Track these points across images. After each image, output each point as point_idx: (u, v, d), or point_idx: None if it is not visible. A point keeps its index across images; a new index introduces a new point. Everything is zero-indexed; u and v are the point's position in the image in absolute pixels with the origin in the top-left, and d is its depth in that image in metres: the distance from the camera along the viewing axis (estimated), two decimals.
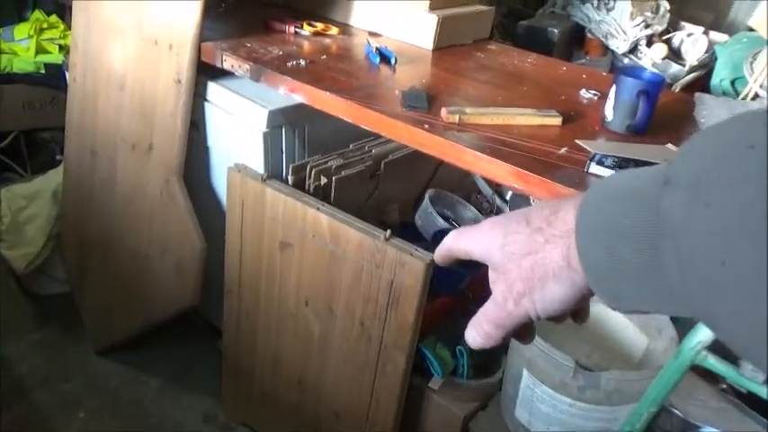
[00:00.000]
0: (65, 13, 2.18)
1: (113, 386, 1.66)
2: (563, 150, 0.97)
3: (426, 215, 1.38)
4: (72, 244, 1.73)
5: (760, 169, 0.25)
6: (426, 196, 1.41)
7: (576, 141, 0.98)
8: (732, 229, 0.26)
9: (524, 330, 0.43)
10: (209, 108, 1.36)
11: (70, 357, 1.73)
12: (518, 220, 0.41)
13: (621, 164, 0.90)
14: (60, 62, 2.14)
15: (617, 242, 0.33)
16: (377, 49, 1.30)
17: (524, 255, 0.39)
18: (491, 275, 0.45)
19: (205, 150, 1.43)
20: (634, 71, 1.09)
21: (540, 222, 0.39)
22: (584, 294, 0.38)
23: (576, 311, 0.44)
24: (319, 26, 1.43)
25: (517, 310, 0.40)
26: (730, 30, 2.28)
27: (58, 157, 2.18)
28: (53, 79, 2.16)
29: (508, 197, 1.63)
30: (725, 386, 1.17)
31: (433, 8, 1.41)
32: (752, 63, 1.82)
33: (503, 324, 0.41)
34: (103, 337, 1.70)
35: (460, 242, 0.45)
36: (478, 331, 0.42)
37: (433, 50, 1.40)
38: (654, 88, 1.04)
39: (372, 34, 1.47)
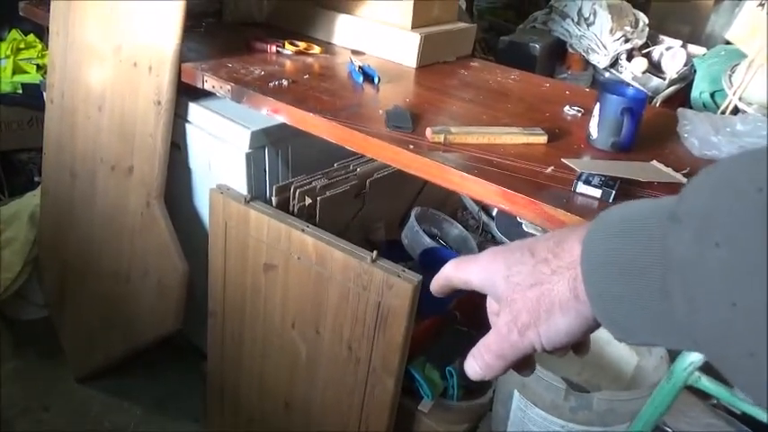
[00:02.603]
0: (42, 33, 2.15)
1: (95, 414, 1.62)
2: (549, 169, 0.96)
3: (413, 234, 1.37)
4: (50, 268, 1.69)
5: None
6: (412, 215, 1.40)
7: (563, 160, 0.97)
8: (743, 270, 0.26)
9: (525, 362, 0.43)
10: (190, 129, 1.34)
11: (50, 385, 1.68)
12: (521, 250, 0.40)
13: (609, 183, 0.89)
14: (38, 82, 2.11)
15: (623, 277, 0.33)
16: (360, 67, 1.29)
17: (530, 286, 0.39)
18: (490, 306, 0.45)
19: (187, 171, 1.41)
20: (617, 88, 1.09)
21: (546, 254, 0.39)
22: (590, 326, 0.37)
23: (578, 344, 0.44)
24: (301, 45, 1.42)
25: (522, 342, 0.39)
26: (708, 42, 2.31)
27: (36, 179, 2.14)
28: (31, 99, 2.12)
29: (494, 213, 1.63)
30: (715, 401, 1.17)
31: (415, 26, 1.41)
32: (730, 76, 1.85)
33: (505, 355, 0.41)
34: (84, 362, 1.66)
35: (459, 272, 0.44)
36: (479, 362, 0.42)
37: (417, 68, 1.40)
38: (638, 105, 1.04)
39: (355, 52, 1.46)
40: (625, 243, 0.33)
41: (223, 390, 1.49)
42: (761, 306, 0.25)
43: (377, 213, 1.43)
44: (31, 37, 2.23)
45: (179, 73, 1.26)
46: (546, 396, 1.06)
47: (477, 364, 0.42)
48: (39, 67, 2.17)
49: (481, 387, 1.29)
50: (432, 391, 1.22)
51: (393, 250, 1.37)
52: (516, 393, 1.11)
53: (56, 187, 1.59)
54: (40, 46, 2.21)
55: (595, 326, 0.37)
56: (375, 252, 1.10)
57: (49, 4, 1.49)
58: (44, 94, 1.59)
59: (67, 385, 1.67)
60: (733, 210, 0.27)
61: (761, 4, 1.84)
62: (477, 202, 1.62)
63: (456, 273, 0.44)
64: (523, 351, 0.40)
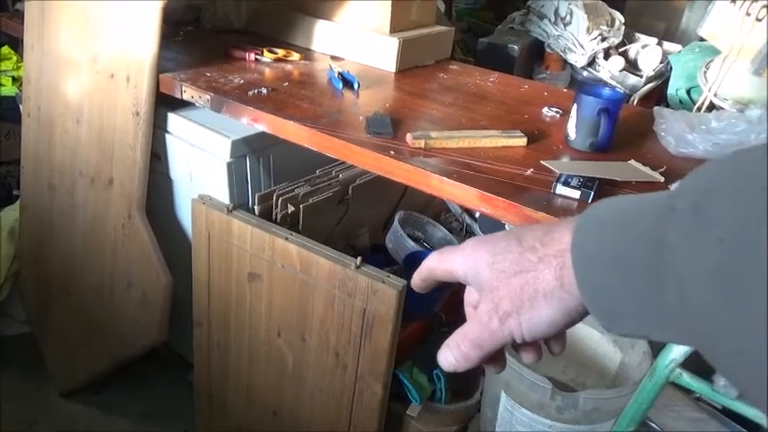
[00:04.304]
0: (17, 44, 2.12)
1: (81, 429, 1.60)
2: (529, 172, 0.97)
3: (397, 238, 1.38)
4: (31, 282, 1.67)
5: None
6: (396, 219, 1.40)
7: (542, 162, 0.98)
8: (740, 268, 0.26)
9: (496, 356, 0.42)
10: (170, 139, 1.34)
11: (34, 401, 1.66)
12: (508, 239, 0.40)
13: (587, 183, 0.90)
14: (14, 94, 2.08)
15: (616, 266, 0.32)
16: (339, 74, 1.29)
17: (515, 273, 0.38)
18: (469, 296, 0.44)
19: (168, 182, 1.40)
20: (594, 89, 1.11)
21: (533, 242, 0.38)
22: (572, 317, 0.37)
23: (554, 340, 0.43)
24: (280, 52, 1.42)
25: (501, 330, 0.38)
26: (683, 39, 2.35)
27: (15, 192, 2.11)
28: (7, 112, 2.09)
29: (477, 215, 1.63)
30: (699, 395, 1.19)
31: (393, 31, 1.41)
32: (705, 72, 1.88)
33: (482, 344, 0.40)
34: (68, 377, 1.64)
35: (442, 263, 0.43)
36: (455, 352, 0.41)
37: (396, 73, 1.40)
38: (614, 106, 1.06)
39: (334, 58, 1.46)
40: (619, 233, 0.33)
41: (211, 399, 1.48)
42: (754, 305, 0.25)
43: (360, 219, 1.43)
44: (6, 49, 2.20)
45: (157, 83, 1.25)
46: (532, 396, 1.07)
47: (452, 353, 0.41)
48: (14, 80, 2.14)
49: (469, 389, 1.30)
50: (420, 394, 1.23)
51: (378, 255, 1.38)
52: (503, 394, 1.12)
53: (35, 201, 1.57)
54: (15, 58, 2.18)
55: (578, 318, 0.37)
56: (359, 258, 1.10)
57: (23, 16, 1.47)
58: (21, 106, 1.57)
59: (52, 401, 1.65)
60: (734, 207, 0.27)
61: (732, 1, 1.87)
62: (461, 204, 1.63)
63: (439, 264, 0.43)
64: (502, 340, 0.39)
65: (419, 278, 0.46)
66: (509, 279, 0.38)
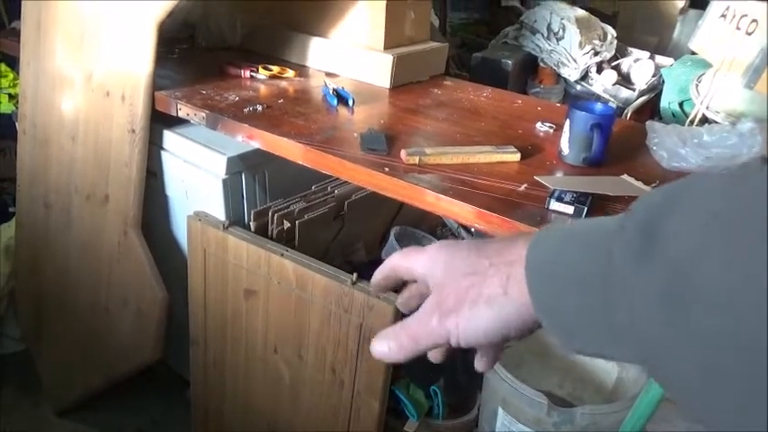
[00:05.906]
0: (15, 62, 2.13)
1: None
2: (523, 187, 0.97)
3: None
4: (26, 300, 1.67)
5: (724, 240, 0.26)
6: (392, 234, 1.40)
7: (536, 178, 0.99)
8: (687, 293, 0.26)
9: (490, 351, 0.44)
10: (166, 156, 1.34)
11: (29, 420, 1.65)
12: (469, 248, 0.41)
13: (580, 199, 0.91)
14: (10, 112, 2.08)
15: (567, 281, 0.33)
16: (334, 90, 1.30)
17: (465, 274, 0.39)
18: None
19: (164, 199, 1.40)
20: (586, 105, 1.12)
21: (490, 252, 0.40)
22: (509, 330, 0.38)
23: (483, 353, 0.45)
24: (275, 69, 1.43)
25: (438, 329, 0.40)
26: (675, 52, 2.37)
27: (11, 210, 2.10)
28: (3, 129, 2.09)
29: (473, 229, 1.64)
30: None
31: (387, 47, 1.42)
32: (697, 86, 1.89)
33: (419, 340, 0.41)
34: (64, 395, 1.63)
35: (405, 260, 0.45)
36: (392, 341, 0.42)
37: (390, 89, 1.41)
38: (606, 121, 1.06)
39: (329, 75, 1.47)
40: (572, 247, 0.34)
41: (207, 417, 1.47)
42: (701, 331, 0.25)
43: (356, 234, 1.43)
44: (3, 66, 2.21)
45: (152, 101, 1.26)
46: (529, 412, 1.07)
47: (387, 343, 0.42)
48: (11, 97, 2.15)
49: (466, 405, 1.29)
50: (417, 410, 1.22)
51: (374, 270, 1.38)
52: (500, 410, 1.12)
53: (31, 219, 1.57)
54: (11, 75, 2.18)
55: (515, 334, 0.38)
56: (355, 274, 1.10)
57: (20, 35, 1.48)
58: (17, 124, 1.57)
59: (47, 420, 1.64)
60: (684, 233, 0.27)
61: (723, 15, 1.89)
62: (456, 220, 1.63)
63: (402, 261, 0.45)
64: (438, 339, 0.40)
65: (380, 275, 0.47)
66: (459, 278, 0.39)
